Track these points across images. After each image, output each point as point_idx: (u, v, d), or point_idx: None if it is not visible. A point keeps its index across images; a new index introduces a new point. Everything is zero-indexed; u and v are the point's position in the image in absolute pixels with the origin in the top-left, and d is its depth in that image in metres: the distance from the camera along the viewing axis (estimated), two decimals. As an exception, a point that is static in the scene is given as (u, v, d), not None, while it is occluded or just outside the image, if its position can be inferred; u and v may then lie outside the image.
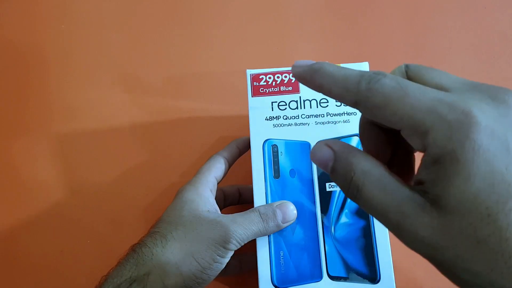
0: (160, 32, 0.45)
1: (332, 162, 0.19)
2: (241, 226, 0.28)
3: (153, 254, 0.27)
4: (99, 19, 0.45)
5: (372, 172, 0.18)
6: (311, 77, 0.20)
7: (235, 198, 0.36)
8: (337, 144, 0.19)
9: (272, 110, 0.33)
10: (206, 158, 0.33)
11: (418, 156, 0.19)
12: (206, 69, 0.44)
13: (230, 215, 0.29)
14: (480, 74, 0.43)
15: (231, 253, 0.29)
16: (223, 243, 0.28)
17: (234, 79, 0.43)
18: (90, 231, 0.40)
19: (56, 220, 0.40)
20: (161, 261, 0.27)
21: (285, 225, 0.30)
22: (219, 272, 0.28)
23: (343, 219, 0.31)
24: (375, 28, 0.44)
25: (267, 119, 0.33)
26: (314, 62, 0.20)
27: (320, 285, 0.29)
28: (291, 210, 0.30)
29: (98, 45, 0.45)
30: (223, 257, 0.28)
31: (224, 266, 0.28)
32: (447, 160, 0.16)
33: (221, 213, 0.31)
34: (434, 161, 0.16)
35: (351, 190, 0.18)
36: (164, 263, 0.27)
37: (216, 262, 0.28)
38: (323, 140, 0.20)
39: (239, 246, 0.29)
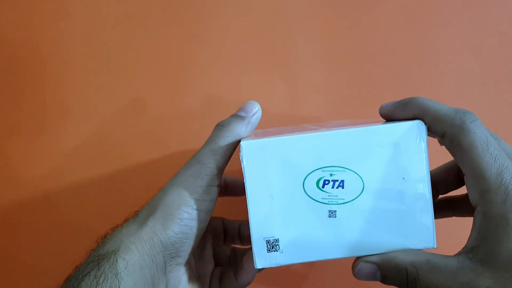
0: (160, 30, 0.45)
1: (379, 272, 0.22)
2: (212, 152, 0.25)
3: (122, 228, 0.25)
4: (98, 18, 0.45)
5: (418, 259, 0.21)
6: (402, 110, 0.23)
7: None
8: (372, 258, 0.22)
9: None
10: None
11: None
12: (205, 69, 0.43)
13: None
14: (480, 74, 0.43)
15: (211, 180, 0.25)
16: (198, 177, 0.25)
17: (232, 78, 0.42)
18: (90, 231, 0.40)
19: (55, 220, 0.40)
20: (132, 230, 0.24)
21: (254, 117, 0.27)
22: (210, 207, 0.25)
23: None
24: (375, 28, 0.44)
25: None
26: (399, 100, 0.24)
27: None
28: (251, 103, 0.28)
29: (97, 45, 0.44)
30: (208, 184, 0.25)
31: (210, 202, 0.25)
32: (498, 220, 0.19)
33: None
34: (485, 218, 0.20)
35: (410, 283, 0.21)
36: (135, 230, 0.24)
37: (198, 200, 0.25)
38: (358, 261, 0.23)
39: (216, 172, 0.25)
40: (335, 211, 0.23)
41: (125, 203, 0.41)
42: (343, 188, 0.23)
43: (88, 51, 0.44)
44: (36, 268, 0.39)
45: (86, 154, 0.42)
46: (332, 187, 0.23)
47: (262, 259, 0.24)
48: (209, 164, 0.25)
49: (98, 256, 0.23)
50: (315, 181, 0.23)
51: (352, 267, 0.24)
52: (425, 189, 0.23)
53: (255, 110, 0.27)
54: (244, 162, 0.23)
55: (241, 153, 0.23)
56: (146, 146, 0.42)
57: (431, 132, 0.23)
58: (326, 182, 0.23)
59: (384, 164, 0.23)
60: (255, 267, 0.23)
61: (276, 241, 0.24)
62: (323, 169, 0.23)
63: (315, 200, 0.23)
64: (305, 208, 0.23)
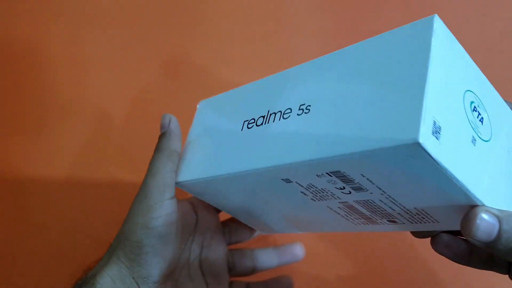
0: (160, 29, 0.45)
1: (498, 226, 0.18)
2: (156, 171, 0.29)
3: (101, 260, 0.28)
4: (98, 17, 0.45)
5: None
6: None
7: None
8: (493, 210, 0.19)
9: None
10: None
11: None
12: (205, 69, 0.43)
13: None
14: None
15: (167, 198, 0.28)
16: (145, 199, 0.28)
17: (232, 78, 0.42)
18: (89, 231, 0.40)
19: (55, 220, 0.40)
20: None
21: (172, 125, 0.30)
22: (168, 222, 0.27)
23: None
24: (376, 28, 0.44)
25: None
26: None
27: None
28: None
29: (97, 44, 0.45)
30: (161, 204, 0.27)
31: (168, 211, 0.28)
32: None
33: None
34: None
35: None
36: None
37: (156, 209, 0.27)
38: (474, 211, 0.18)
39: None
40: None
41: (125, 203, 0.40)
42: None
43: (89, 51, 0.44)
44: (35, 268, 0.39)
45: (86, 154, 0.42)
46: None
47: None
48: (153, 185, 0.28)
49: (82, 281, 0.27)
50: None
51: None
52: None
53: (168, 119, 0.30)
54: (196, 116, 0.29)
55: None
56: (146, 145, 0.42)
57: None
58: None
59: None
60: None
61: None
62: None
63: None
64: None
